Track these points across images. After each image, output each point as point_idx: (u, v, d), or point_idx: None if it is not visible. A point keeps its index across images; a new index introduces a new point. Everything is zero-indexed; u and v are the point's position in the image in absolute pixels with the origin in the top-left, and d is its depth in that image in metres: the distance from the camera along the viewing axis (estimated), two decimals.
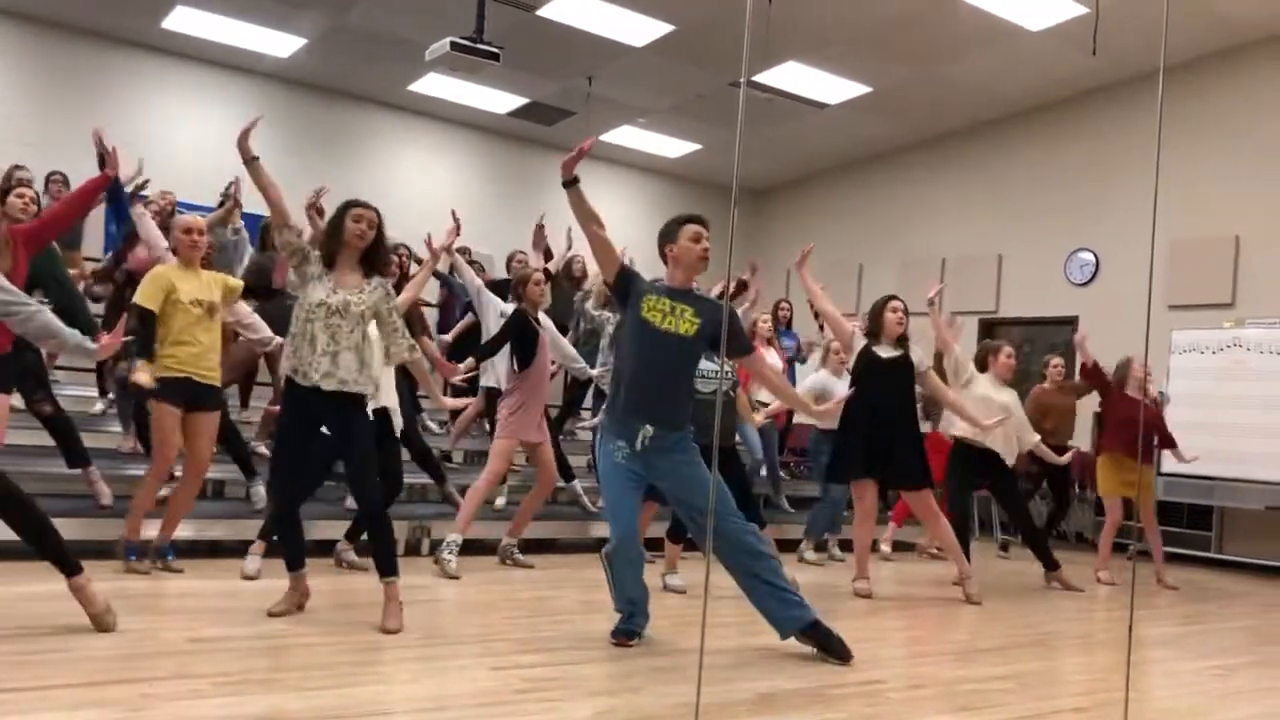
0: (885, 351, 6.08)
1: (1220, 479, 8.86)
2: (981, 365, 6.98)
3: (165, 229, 6.46)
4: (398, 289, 5.86)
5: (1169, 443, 7.61)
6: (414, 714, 3.23)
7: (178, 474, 5.46)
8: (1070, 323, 10.77)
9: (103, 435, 6.94)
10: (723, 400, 5.10)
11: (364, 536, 5.57)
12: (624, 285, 4.30)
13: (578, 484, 7.41)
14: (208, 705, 3.09)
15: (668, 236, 4.38)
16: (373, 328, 4.49)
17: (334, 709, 3.16)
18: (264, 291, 7.06)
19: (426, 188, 11.95)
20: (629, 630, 4.40)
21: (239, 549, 5.91)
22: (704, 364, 5.00)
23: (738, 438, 6.40)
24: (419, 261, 7.62)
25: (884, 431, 6.01)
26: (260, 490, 6.17)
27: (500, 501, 7.34)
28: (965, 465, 6.87)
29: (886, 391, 6.03)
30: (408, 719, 3.19)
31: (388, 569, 4.38)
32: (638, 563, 4.35)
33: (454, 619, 4.70)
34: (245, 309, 5.84)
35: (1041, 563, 7.10)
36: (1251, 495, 8.75)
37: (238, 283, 5.37)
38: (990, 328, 11.38)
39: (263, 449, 6.89)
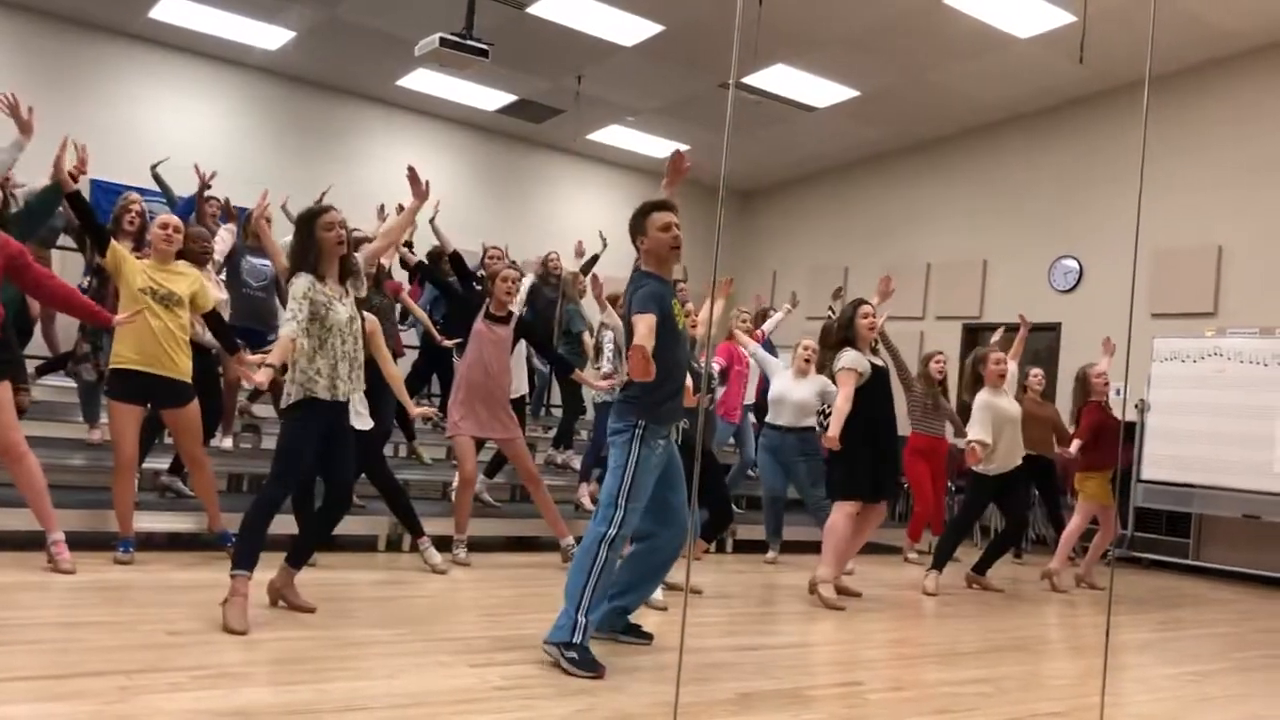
0: (874, 360, 5.98)
1: (1199, 486, 8.92)
2: (977, 379, 6.81)
3: (140, 234, 6.38)
4: (376, 277, 5.91)
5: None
6: (392, 710, 3.22)
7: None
8: (1054, 329, 10.84)
9: (83, 426, 6.89)
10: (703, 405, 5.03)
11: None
12: (659, 313, 4.08)
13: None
14: (185, 698, 3.08)
15: (636, 228, 4.18)
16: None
17: (312, 703, 3.15)
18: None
19: None
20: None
21: (220, 543, 5.89)
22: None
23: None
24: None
25: (889, 445, 5.94)
26: (181, 485, 6.22)
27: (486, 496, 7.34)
28: (982, 494, 6.83)
29: (886, 402, 5.97)
30: (386, 714, 3.18)
31: (302, 562, 4.54)
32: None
33: (434, 616, 4.69)
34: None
35: (979, 561, 7.07)
36: (1230, 503, 8.81)
37: (208, 298, 5.27)
38: (974, 333, 11.43)
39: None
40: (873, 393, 5.91)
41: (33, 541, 5.32)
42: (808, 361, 7.31)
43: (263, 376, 4.11)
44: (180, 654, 3.59)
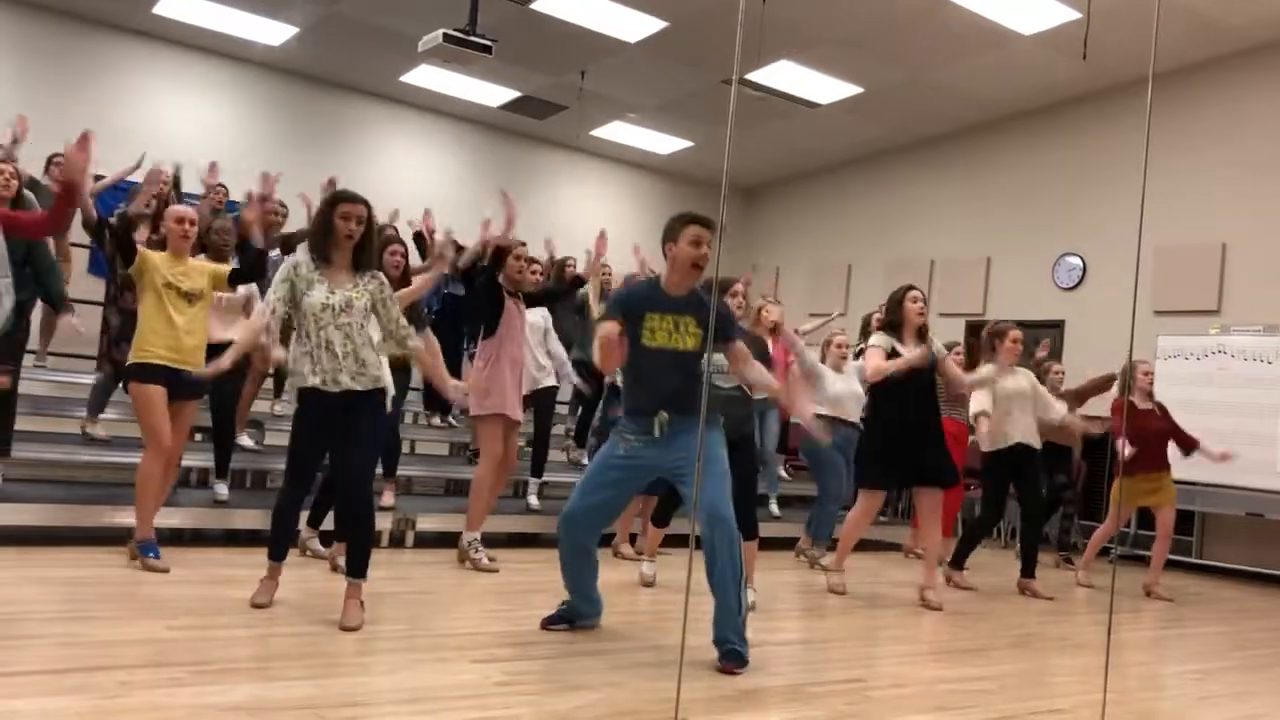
0: (908, 350, 5.92)
1: (1202, 484, 8.90)
2: (991, 351, 6.88)
3: (159, 214, 6.40)
4: (404, 282, 5.79)
5: (1190, 443, 7.43)
6: (392, 706, 3.22)
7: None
8: (1057, 326, 10.83)
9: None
10: (733, 395, 4.99)
11: (325, 524, 5.53)
12: (625, 318, 4.15)
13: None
14: (186, 693, 3.08)
15: (669, 234, 4.24)
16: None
17: (312, 699, 3.15)
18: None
19: (416, 179, 11.92)
20: (561, 616, 4.45)
21: (221, 539, 5.91)
22: (721, 359, 4.89)
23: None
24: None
25: (913, 434, 5.89)
26: (224, 488, 6.09)
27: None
28: (1002, 467, 6.83)
29: (914, 391, 5.90)
30: (387, 710, 3.18)
31: (361, 570, 4.28)
32: (580, 552, 4.37)
33: (434, 612, 4.69)
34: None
35: (1023, 564, 6.95)
36: (1233, 501, 8.80)
37: (224, 269, 5.19)
38: (977, 330, 11.42)
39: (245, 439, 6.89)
40: (901, 382, 5.84)
41: (32, 538, 5.33)
42: (843, 357, 7.28)
43: (226, 362, 4.35)
44: (180, 649, 3.58)
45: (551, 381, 7.03)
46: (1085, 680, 4.43)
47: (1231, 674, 4.89)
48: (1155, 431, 7.28)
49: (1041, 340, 8.21)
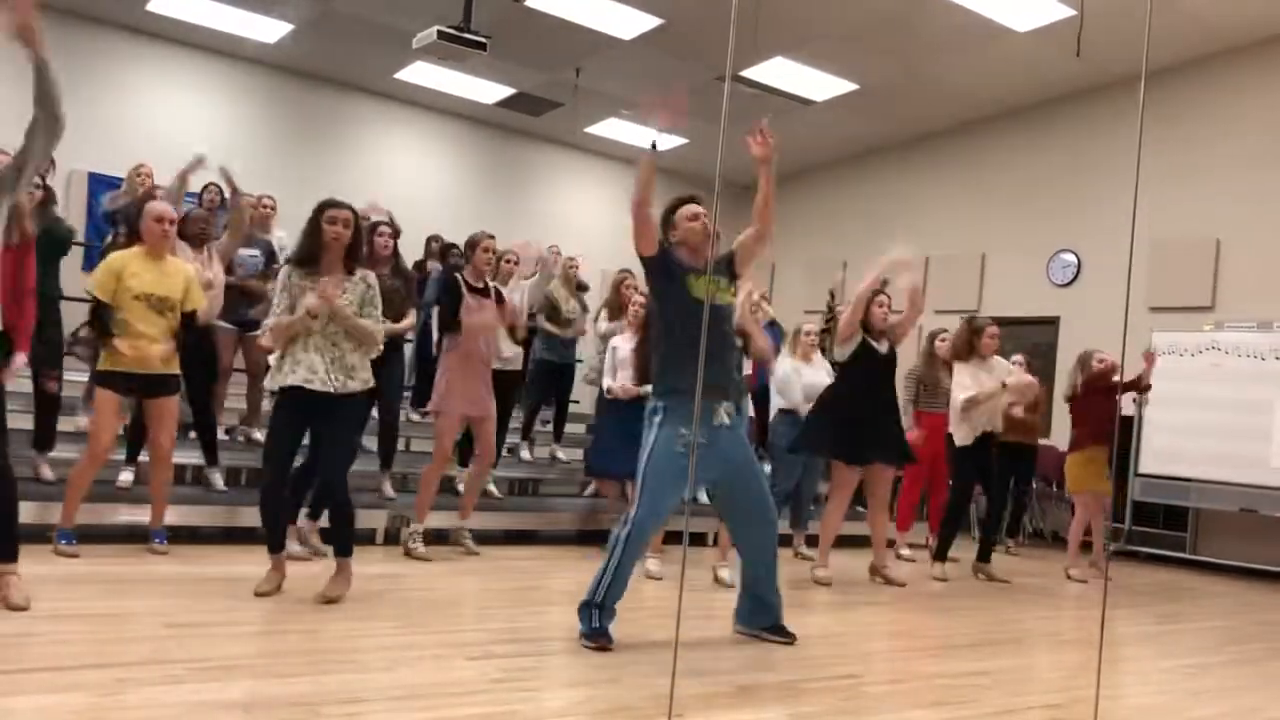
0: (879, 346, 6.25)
1: (1196, 480, 8.94)
2: (970, 348, 7.06)
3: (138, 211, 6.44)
4: (396, 266, 6.20)
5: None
6: (389, 702, 3.23)
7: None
8: (1052, 323, 10.85)
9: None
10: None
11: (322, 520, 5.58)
12: (663, 262, 4.32)
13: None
14: (183, 690, 3.09)
15: (666, 224, 4.44)
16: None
17: (309, 696, 3.15)
18: None
19: (411, 177, 11.91)
20: (605, 630, 4.15)
21: (217, 535, 5.91)
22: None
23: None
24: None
25: (875, 411, 6.21)
26: (218, 477, 6.38)
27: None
28: (963, 459, 7.01)
29: (880, 373, 6.25)
30: (384, 706, 3.19)
31: (348, 550, 4.60)
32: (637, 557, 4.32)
33: (431, 609, 4.69)
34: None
35: (980, 550, 7.24)
36: (1227, 497, 8.83)
37: (196, 299, 5.22)
38: None
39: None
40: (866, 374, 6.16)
41: (30, 535, 5.32)
42: (812, 345, 7.32)
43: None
44: (178, 647, 3.59)
45: (513, 367, 7.02)
46: (1079, 675, 4.45)
47: (1225, 669, 4.92)
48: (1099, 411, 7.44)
49: (1014, 357, 8.22)
